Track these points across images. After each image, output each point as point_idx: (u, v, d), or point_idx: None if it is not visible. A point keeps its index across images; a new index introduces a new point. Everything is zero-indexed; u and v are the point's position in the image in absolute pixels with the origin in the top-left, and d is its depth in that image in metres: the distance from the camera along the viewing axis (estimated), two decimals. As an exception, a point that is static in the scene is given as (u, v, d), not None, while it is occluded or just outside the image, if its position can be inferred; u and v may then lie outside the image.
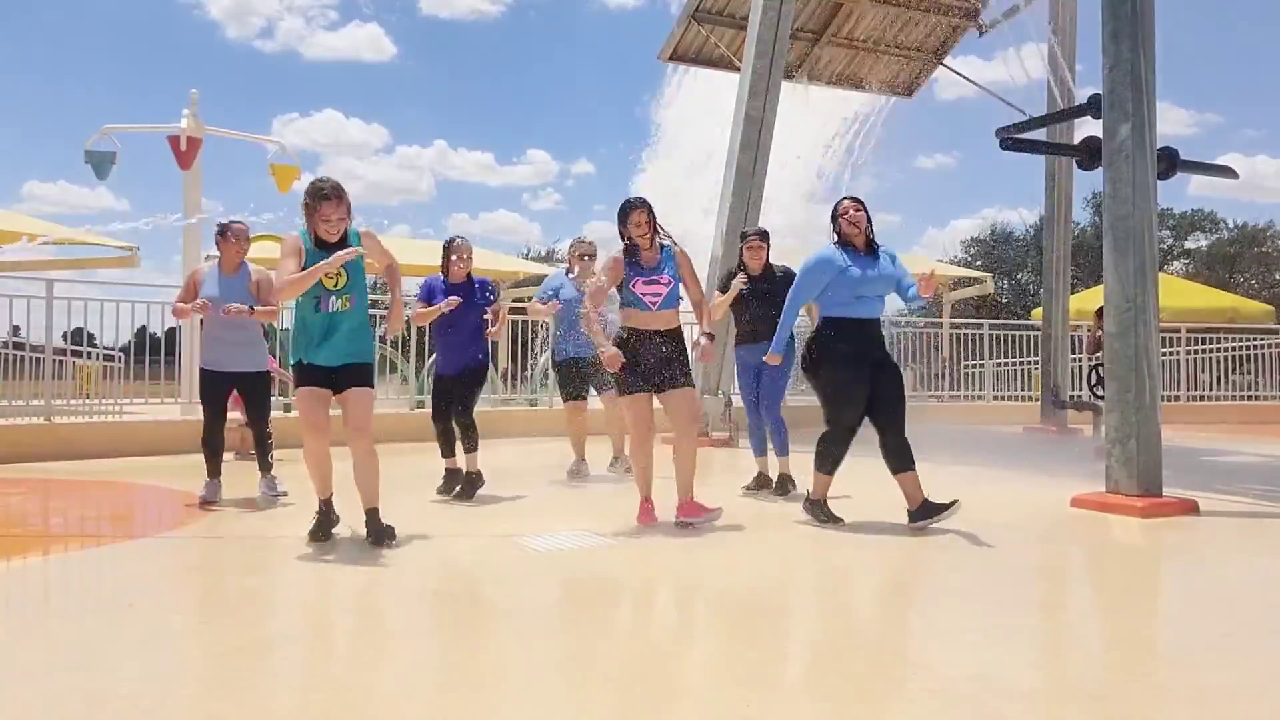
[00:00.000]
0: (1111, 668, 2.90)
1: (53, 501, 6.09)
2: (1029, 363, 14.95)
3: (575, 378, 6.90)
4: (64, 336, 10.11)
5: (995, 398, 14.69)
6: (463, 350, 6.01)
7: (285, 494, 5.72)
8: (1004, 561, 4.37)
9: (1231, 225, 40.17)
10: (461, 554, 4.46)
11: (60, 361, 9.82)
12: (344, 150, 68.42)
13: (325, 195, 4.31)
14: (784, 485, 5.95)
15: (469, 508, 5.63)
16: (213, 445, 5.70)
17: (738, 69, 11.32)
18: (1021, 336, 15.34)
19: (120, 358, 10.39)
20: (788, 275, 5.92)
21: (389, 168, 70.60)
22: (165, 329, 10.37)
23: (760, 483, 6.09)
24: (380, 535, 4.39)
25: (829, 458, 4.92)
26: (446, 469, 6.05)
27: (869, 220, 4.98)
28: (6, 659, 2.85)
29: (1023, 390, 15.30)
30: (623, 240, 4.95)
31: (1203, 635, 3.16)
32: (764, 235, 6.16)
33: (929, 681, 2.68)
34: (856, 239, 4.96)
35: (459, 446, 6.01)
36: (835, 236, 5.01)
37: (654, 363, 4.91)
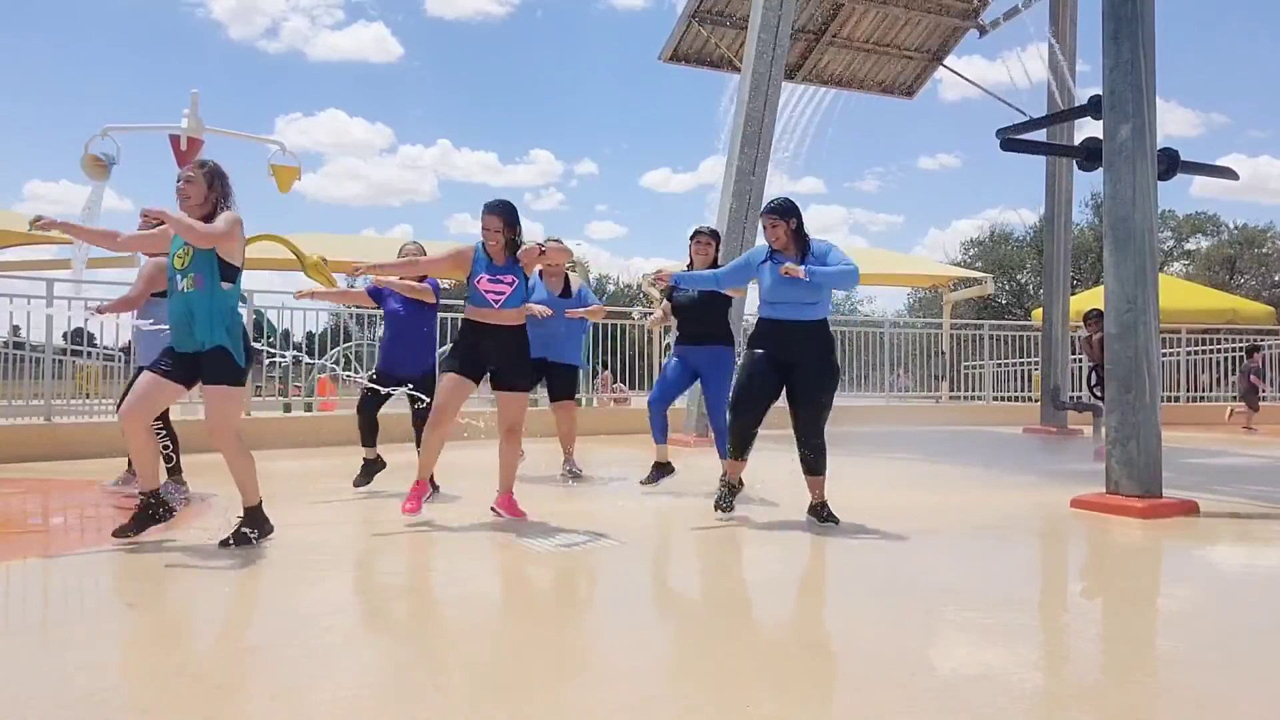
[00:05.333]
0: (1111, 668, 2.90)
1: (53, 501, 6.08)
2: (1029, 363, 14.96)
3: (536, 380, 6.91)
4: (64, 337, 10.11)
5: (995, 398, 14.70)
6: (407, 358, 6.08)
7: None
8: (1004, 562, 4.37)
9: (1233, 227, 40.20)
10: (461, 554, 4.46)
11: (60, 361, 9.82)
12: (347, 150, 68.72)
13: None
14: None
15: (467, 508, 5.62)
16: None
17: (738, 69, 11.33)
18: (1021, 337, 15.36)
19: (120, 357, 10.40)
20: None
21: (392, 168, 70.86)
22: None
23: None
24: (239, 538, 4.30)
25: (731, 445, 5.04)
26: (365, 459, 6.14)
27: (792, 230, 4.92)
28: (6, 659, 2.85)
29: (1023, 391, 15.32)
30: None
31: (1203, 635, 3.16)
32: (713, 234, 6.28)
33: (929, 681, 2.68)
34: (783, 250, 4.96)
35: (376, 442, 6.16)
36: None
37: (490, 355, 4.93)
